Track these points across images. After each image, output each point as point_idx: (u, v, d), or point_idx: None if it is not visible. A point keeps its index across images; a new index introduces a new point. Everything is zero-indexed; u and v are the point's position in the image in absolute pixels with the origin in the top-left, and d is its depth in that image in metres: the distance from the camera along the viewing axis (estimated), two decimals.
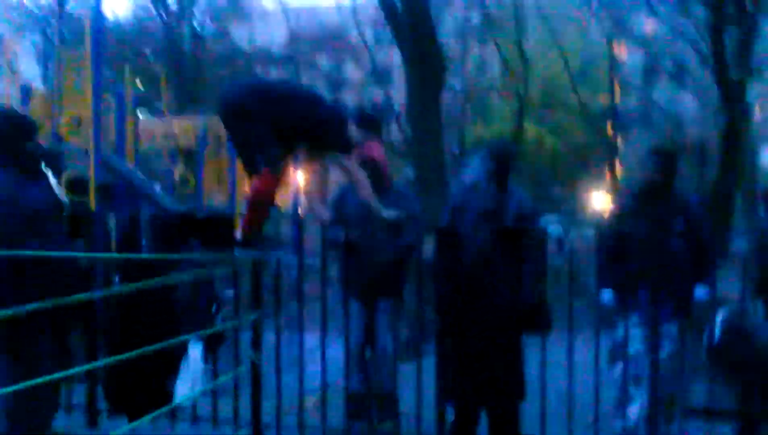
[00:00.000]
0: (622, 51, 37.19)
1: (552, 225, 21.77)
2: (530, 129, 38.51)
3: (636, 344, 5.23)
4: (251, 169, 4.85)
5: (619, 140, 34.84)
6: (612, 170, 32.01)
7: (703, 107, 31.21)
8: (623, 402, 5.21)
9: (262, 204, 4.90)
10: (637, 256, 5.23)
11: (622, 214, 5.54)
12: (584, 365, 5.09)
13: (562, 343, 5.16)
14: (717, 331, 4.76)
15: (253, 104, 4.80)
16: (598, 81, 35.95)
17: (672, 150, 5.74)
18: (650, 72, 33.32)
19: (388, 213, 5.40)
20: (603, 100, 36.03)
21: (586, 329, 5.26)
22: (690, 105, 34.43)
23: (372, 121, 5.05)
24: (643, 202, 5.42)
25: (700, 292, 5.16)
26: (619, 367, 5.26)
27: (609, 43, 33.20)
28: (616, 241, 5.42)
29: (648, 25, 33.61)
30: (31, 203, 4.61)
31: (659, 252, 5.04)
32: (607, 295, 5.36)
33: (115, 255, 5.43)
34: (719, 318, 4.78)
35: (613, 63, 33.80)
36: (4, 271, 4.48)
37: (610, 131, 34.04)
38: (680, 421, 5.01)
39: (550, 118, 40.16)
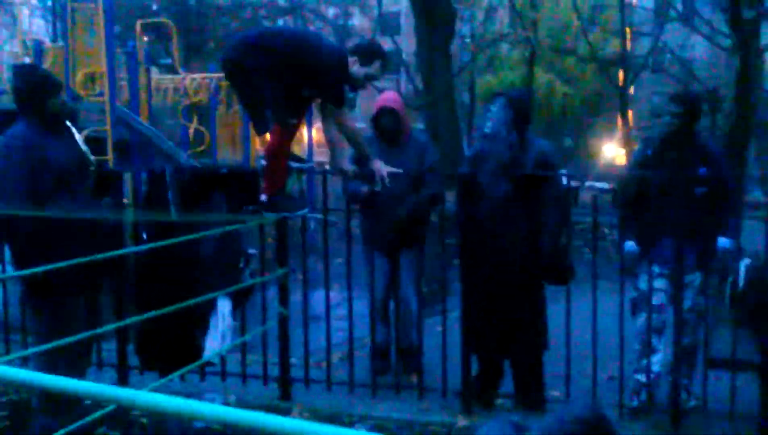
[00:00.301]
0: None
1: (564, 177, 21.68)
2: (541, 76, 38.24)
3: (659, 295, 5.25)
4: (260, 129, 4.84)
5: (631, 88, 34.53)
6: (624, 118, 31.75)
7: (716, 52, 30.84)
8: (645, 353, 5.24)
9: (277, 162, 4.90)
10: (659, 205, 5.21)
11: (643, 162, 5.47)
12: (607, 316, 5.13)
13: (584, 294, 5.20)
14: (740, 279, 4.76)
15: (253, 60, 4.75)
16: (608, 26, 35.54)
17: (694, 95, 5.65)
18: (661, 15, 32.82)
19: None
20: (614, 45, 35.66)
21: (608, 280, 5.28)
22: (703, 50, 34.03)
23: (371, 49, 4.98)
24: (665, 149, 5.34)
25: (723, 241, 5.14)
26: (642, 318, 5.28)
27: None
28: (637, 190, 5.39)
29: None
30: (57, 160, 4.65)
31: (681, 200, 5.00)
32: (629, 245, 5.35)
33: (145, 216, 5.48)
34: (742, 266, 4.77)
35: (624, 7, 33.38)
36: (35, 230, 4.54)
37: (621, 78, 33.73)
38: (702, 371, 5.05)
39: (561, 65, 39.80)
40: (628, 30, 34.18)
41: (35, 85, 4.70)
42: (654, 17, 33.84)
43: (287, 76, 4.74)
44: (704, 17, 29.59)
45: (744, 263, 4.77)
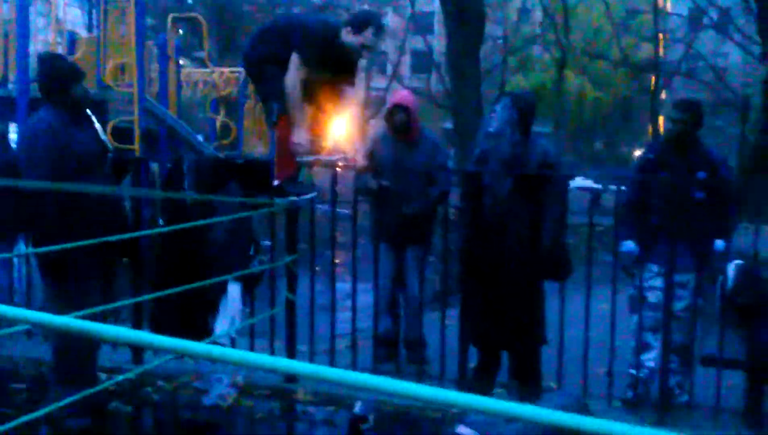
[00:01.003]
0: (666, 0, 36.56)
1: (591, 180, 21.79)
2: (572, 79, 38.18)
3: (656, 293, 5.39)
4: (268, 119, 5.08)
5: (662, 94, 34.42)
6: (655, 123, 31.65)
7: (749, 59, 30.67)
8: (640, 350, 5.39)
9: (284, 150, 5.12)
10: (659, 207, 5.36)
11: (645, 166, 5.63)
12: (605, 314, 5.29)
13: (582, 291, 5.36)
14: (729, 278, 4.91)
15: (261, 49, 5.01)
16: (641, 31, 35.44)
17: (696, 102, 5.79)
18: (695, 22, 32.68)
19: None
20: (646, 50, 35.54)
21: (605, 278, 5.44)
22: (736, 57, 33.85)
23: (361, 17, 5.13)
24: (667, 153, 5.51)
25: (718, 243, 5.28)
26: (637, 316, 5.43)
27: None
28: (639, 191, 5.55)
29: None
30: (80, 146, 4.89)
31: (681, 203, 5.16)
32: (627, 245, 5.50)
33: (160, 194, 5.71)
34: (732, 267, 4.92)
35: (657, 12, 33.28)
36: (55, 211, 4.77)
37: (653, 83, 33.63)
38: (693, 370, 5.19)
39: (593, 69, 39.71)
40: (660, 36, 34.12)
41: (59, 73, 4.93)
42: (687, 24, 33.71)
43: (286, 55, 4.96)
44: (737, 25, 29.49)
45: (733, 264, 4.91)
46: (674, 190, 5.27)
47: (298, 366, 1.65)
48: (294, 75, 4.95)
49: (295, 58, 4.93)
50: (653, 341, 5.42)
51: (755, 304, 4.81)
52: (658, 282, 5.38)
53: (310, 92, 5.20)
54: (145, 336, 1.95)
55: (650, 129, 33.61)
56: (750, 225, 4.95)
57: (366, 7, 33.49)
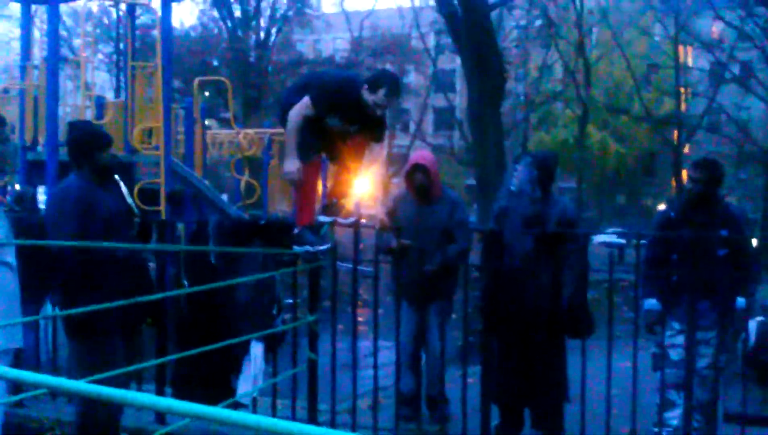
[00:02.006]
0: (688, 55, 36.75)
1: (614, 235, 21.81)
2: (594, 134, 38.30)
3: (678, 351, 5.38)
4: (286, 167, 5.21)
5: (686, 147, 34.43)
6: (678, 177, 31.61)
7: None
8: (664, 408, 5.36)
9: (303, 196, 5.21)
10: (680, 265, 5.38)
11: (666, 224, 5.67)
12: (628, 371, 5.27)
13: (605, 349, 5.34)
14: (751, 335, 4.90)
15: (287, 101, 5.18)
16: (663, 86, 35.59)
17: (715, 161, 5.85)
18: (716, 76, 32.80)
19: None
20: (668, 105, 35.67)
21: (627, 336, 5.43)
22: (759, 110, 33.85)
23: (376, 76, 5.24)
24: (687, 211, 5.57)
25: (740, 301, 5.29)
26: (664, 372, 5.41)
27: (674, 46, 32.91)
28: (660, 249, 5.58)
29: (713, 28, 33.20)
30: (106, 210, 5.00)
31: (702, 261, 5.18)
32: (650, 303, 5.52)
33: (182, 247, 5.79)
34: (754, 324, 4.91)
35: (678, 67, 33.45)
36: (81, 272, 4.87)
37: (675, 137, 33.68)
38: (718, 427, 5.15)
39: (615, 124, 39.84)
40: (682, 90, 34.24)
41: (86, 139, 5.06)
42: (709, 78, 33.84)
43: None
44: (759, 78, 29.57)
45: (755, 321, 4.90)
46: (696, 248, 5.29)
47: (313, 431, 1.69)
48: (298, 110, 5.08)
49: (305, 99, 5.08)
50: (677, 399, 5.39)
51: None
52: (680, 339, 5.37)
53: (334, 149, 5.31)
54: (162, 401, 2.01)
55: (673, 183, 33.55)
56: None
57: (388, 66, 34.04)
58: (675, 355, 5.40)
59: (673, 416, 5.40)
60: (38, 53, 14.28)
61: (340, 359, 5.88)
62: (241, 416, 1.79)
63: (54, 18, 11.25)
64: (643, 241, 5.67)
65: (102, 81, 26.12)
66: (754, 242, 6.08)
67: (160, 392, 5.98)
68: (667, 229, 5.64)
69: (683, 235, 5.39)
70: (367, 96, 5.06)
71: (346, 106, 5.13)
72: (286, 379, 5.78)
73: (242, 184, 14.26)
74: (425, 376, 6.33)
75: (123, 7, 13.18)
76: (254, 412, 5.90)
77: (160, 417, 5.84)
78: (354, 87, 5.14)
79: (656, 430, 5.42)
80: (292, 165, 5.14)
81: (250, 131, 15.42)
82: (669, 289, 5.47)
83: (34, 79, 12.10)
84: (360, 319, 6.24)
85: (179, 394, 5.78)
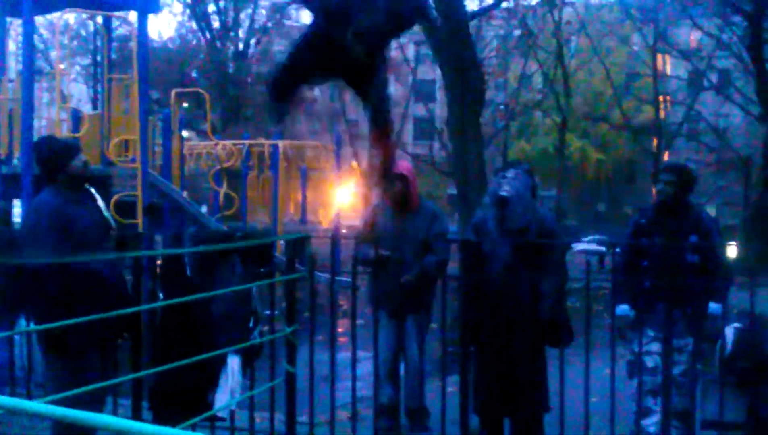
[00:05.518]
0: (666, 64, 37.04)
1: (594, 243, 21.87)
2: (574, 143, 38.51)
3: (654, 358, 5.39)
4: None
5: (665, 155, 34.65)
6: (657, 185, 31.75)
7: (748, 120, 30.95)
8: (641, 416, 5.37)
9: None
10: (652, 271, 5.39)
11: (637, 230, 5.69)
12: (606, 379, 5.26)
13: (582, 357, 5.34)
14: (728, 342, 4.91)
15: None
16: (642, 95, 35.84)
17: (684, 165, 5.88)
18: (694, 84, 33.09)
19: None
20: (647, 113, 35.90)
21: (604, 343, 5.43)
22: (737, 118, 34.17)
23: None
24: (658, 217, 5.58)
25: (714, 307, 5.30)
26: (637, 380, 5.42)
27: (652, 55, 33.16)
28: (631, 255, 5.59)
29: (691, 37, 33.49)
30: (81, 223, 4.95)
31: (673, 267, 5.19)
32: (622, 309, 5.53)
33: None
34: (730, 331, 4.93)
35: (657, 76, 33.71)
36: (57, 287, 4.82)
37: (654, 145, 33.89)
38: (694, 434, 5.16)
39: (594, 132, 40.08)
40: (661, 98, 34.50)
41: (54, 152, 5.02)
42: (687, 86, 34.12)
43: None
44: (737, 86, 29.84)
45: (732, 328, 4.92)
46: (666, 254, 5.31)
47: None
48: None
49: None
50: (653, 406, 5.40)
51: (755, 367, 4.80)
52: (655, 347, 5.38)
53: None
54: (136, 425, 1.99)
55: (653, 190, 33.75)
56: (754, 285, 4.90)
57: None
58: (650, 362, 5.41)
59: (651, 423, 5.41)
60: (14, 66, 14.18)
61: (319, 371, 5.85)
62: None
63: (29, 30, 11.17)
64: (618, 250, 5.68)
65: (80, 93, 25.99)
66: (731, 249, 6.09)
67: (136, 407, 5.92)
68: (638, 236, 5.65)
69: (652, 243, 5.41)
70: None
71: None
72: (264, 392, 5.74)
73: (221, 196, 14.22)
74: (404, 387, 6.31)
75: (99, 19, 13.11)
76: (232, 425, 5.86)
77: None
78: None
79: None
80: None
81: (229, 142, 15.38)
82: (642, 296, 5.49)
83: (10, 93, 12.01)
84: (339, 329, 6.21)
85: (156, 409, 5.74)
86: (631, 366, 5.48)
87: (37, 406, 2.08)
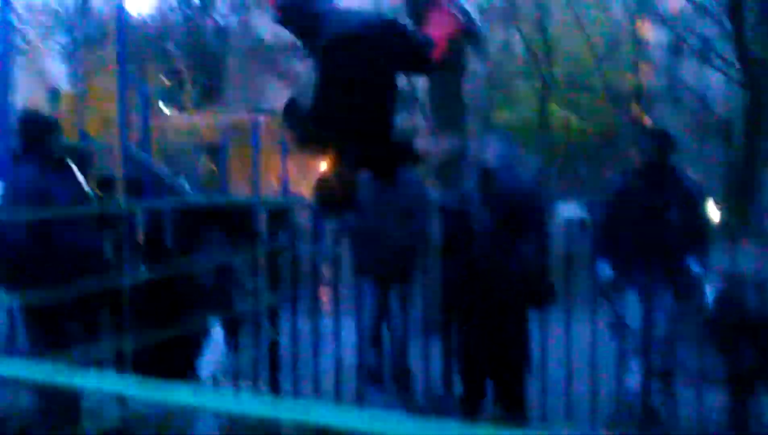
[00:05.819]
0: (647, 29, 37.00)
1: (576, 208, 21.95)
2: (556, 111, 38.48)
3: (635, 317, 5.44)
4: None
5: (646, 120, 34.70)
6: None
7: (729, 85, 31.03)
8: (622, 374, 5.43)
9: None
10: (634, 232, 5.44)
11: (619, 190, 5.73)
12: (586, 339, 5.32)
13: (564, 318, 5.39)
14: (709, 300, 4.98)
15: None
16: (622, 61, 35.81)
17: (664, 130, 5.93)
18: (675, 50, 33.10)
19: None
20: (628, 80, 35.90)
21: (586, 304, 5.49)
22: (717, 83, 34.21)
23: None
24: (639, 179, 5.61)
25: (696, 267, 5.35)
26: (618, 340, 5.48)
27: (633, 21, 33.12)
28: (613, 216, 5.64)
29: (672, 2, 33.45)
30: (59, 195, 4.93)
31: (654, 228, 5.23)
32: (602, 269, 5.58)
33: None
34: (710, 289, 4.99)
35: (638, 42, 33.68)
36: (37, 259, 4.81)
37: (636, 111, 33.92)
38: (675, 391, 5.23)
39: (576, 100, 40.03)
40: (641, 64, 34.51)
41: (32, 127, 5.00)
42: (668, 52, 34.12)
43: None
44: (718, 52, 29.87)
45: (713, 285, 4.99)
46: (647, 215, 5.35)
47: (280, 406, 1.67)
48: None
49: None
50: (635, 365, 5.46)
51: (737, 324, 4.86)
52: (636, 306, 5.43)
53: None
54: (123, 383, 1.99)
55: (634, 155, 33.82)
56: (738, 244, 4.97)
57: None
58: (632, 322, 5.46)
59: (632, 382, 5.47)
60: None
61: (302, 339, 5.87)
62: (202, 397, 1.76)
63: (5, 6, 11.02)
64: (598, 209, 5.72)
65: (59, 71, 25.76)
66: (711, 210, 6.16)
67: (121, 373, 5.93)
68: (619, 197, 5.69)
69: (633, 202, 5.45)
70: None
71: None
72: (248, 360, 5.76)
73: (201, 170, 14.17)
74: (388, 350, 6.35)
75: None
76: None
77: (122, 400, 5.80)
78: None
79: (615, 395, 5.48)
80: None
81: (208, 116, 15.32)
82: (622, 256, 5.54)
83: None
84: (322, 298, 6.23)
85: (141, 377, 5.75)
86: (612, 326, 5.53)
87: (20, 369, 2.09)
